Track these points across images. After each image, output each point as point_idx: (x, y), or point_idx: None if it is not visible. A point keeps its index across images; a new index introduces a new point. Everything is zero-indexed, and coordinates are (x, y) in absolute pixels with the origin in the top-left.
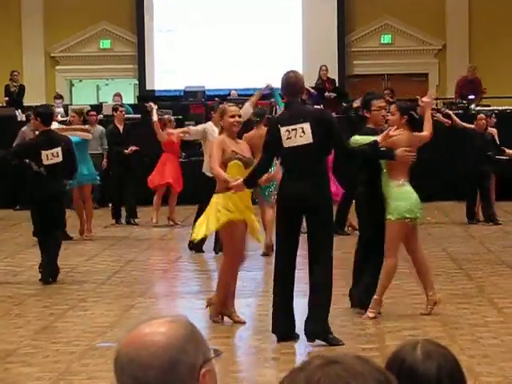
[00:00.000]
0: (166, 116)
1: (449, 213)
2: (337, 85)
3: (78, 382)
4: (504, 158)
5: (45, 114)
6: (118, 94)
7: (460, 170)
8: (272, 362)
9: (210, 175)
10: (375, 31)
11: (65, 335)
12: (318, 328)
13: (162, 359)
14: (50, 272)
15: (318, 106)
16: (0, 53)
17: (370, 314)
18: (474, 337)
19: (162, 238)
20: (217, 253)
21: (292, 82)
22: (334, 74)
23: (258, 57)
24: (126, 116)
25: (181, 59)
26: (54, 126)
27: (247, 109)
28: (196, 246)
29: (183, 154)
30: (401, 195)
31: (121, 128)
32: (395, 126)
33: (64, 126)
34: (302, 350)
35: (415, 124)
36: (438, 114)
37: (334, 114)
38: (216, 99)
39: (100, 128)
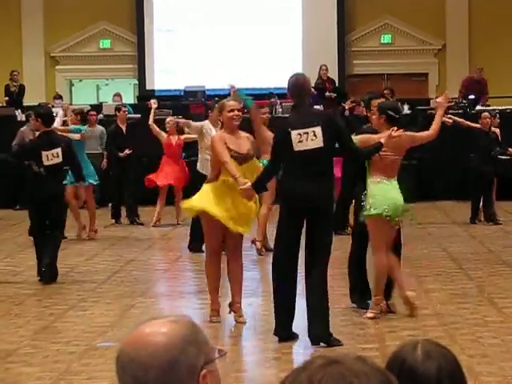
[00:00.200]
0: (169, 119)
1: (449, 212)
2: (337, 84)
3: (78, 382)
4: (506, 157)
5: (46, 115)
6: (117, 94)
7: (464, 169)
8: (273, 362)
9: (206, 174)
10: (375, 31)
11: (65, 335)
12: (323, 331)
13: (161, 359)
14: (50, 273)
15: (318, 106)
16: (0, 52)
17: (369, 314)
18: (474, 336)
19: (162, 237)
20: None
21: (300, 84)
22: (333, 73)
23: (257, 56)
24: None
25: (181, 59)
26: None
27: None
28: (195, 247)
29: (183, 154)
30: (377, 192)
31: (123, 128)
32: (395, 128)
33: (60, 127)
34: (302, 349)
35: (394, 123)
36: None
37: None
38: (216, 99)
39: (100, 128)
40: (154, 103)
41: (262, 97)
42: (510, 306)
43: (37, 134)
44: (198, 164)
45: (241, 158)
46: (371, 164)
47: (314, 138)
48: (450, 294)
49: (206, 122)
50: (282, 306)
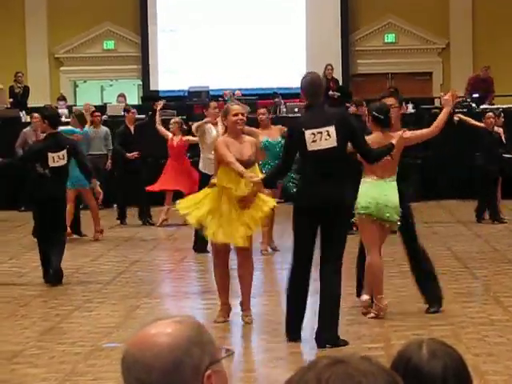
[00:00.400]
0: (173, 121)
1: (454, 211)
2: (340, 84)
3: (84, 383)
4: (509, 156)
5: (52, 117)
6: (121, 95)
7: (469, 168)
8: (279, 362)
9: (208, 173)
10: (379, 30)
11: (70, 336)
12: (331, 336)
13: (165, 360)
14: (58, 277)
15: None
16: (4, 54)
17: (372, 313)
18: (480, 335)
19: (167, 238)
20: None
21: (317, 83)
22: (337, 73)
23: (261, 56)
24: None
25: (185, 59)
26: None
27: None
28: (200, 247)
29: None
30: (362, 191)
31: (132, 129)
32: (405, 129)
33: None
34: (308, 349)
35: (379, 124)
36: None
37: None
38: (220, 99)
39: (104, 129)
40: (158, 104)
41: (265, 97)
42: None
43: (40, 135)
44: (200, 164)
45: (245, 164)
46: (364, 164)
47: (327, 137)
48: (455, 293)
49: (204, 121)
50: (295, 306)
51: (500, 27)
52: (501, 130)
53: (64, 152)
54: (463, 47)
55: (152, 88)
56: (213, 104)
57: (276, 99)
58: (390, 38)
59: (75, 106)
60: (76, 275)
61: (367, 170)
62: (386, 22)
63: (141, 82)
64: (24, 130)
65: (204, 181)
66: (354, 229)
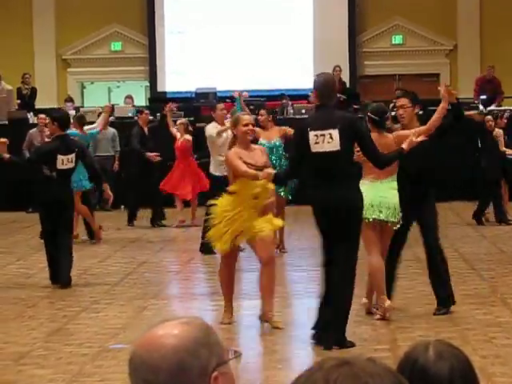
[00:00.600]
0: (179, 122)
1: (461, 213)
2: (347, 86)
3: None
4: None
5: (62, 119)
6: (129, 96)
7: (472, 169)
8: (284, 363)
9: (219, 174)
10: (386, 32)
11: (77, 337)
12: (338, 338)
13: (171, 362)
14: (64, 286)
15: None
16: (12, 55)
17: (377, 315)
18: (487, 337)
19: (174, 239)
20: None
21: (331, 84)
22: (345, 74)
23: (268, 58)
24: (136, 118)
25: (192, 61)
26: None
27: None
28: (207, 249)
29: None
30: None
31: (146, 130)
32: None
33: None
34: (314, 351)
35: (376, 125)
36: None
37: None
38: (227, 100)
39: (112, 130)
40: (168, 107)
41: (273, 98)
42: None
43: (45, 136)
44: (211, 166)
45: (260, 171)
46: (363, 166)
47: (330, 140)
48: (462, 294)
49: (213, 123)
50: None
51: (507, 29)
52: (500, 132)
53: (73, 155)
54: (471, 48)
55: (159, 89)
56: (220, 106)
57: (283, 100)
58: (397, 39)
59: (82, 107)
60: (83, 276)
61: (365, 172)
62: (394, 24)
63: (148, 84)
64: (30, 131)
65: (215, 183)
66: None
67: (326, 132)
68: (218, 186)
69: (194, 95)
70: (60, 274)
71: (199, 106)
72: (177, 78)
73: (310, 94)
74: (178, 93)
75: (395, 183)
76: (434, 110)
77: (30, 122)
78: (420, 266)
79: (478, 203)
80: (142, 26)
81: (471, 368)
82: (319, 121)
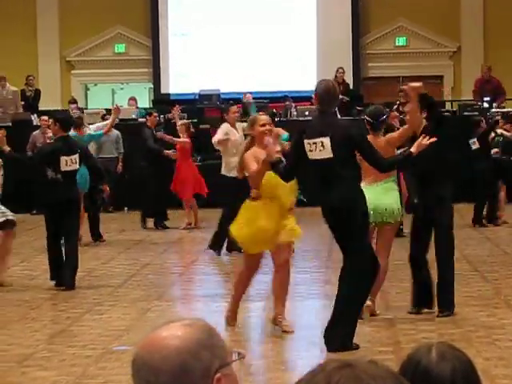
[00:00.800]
0: (180, 122)
1: (464, 215)
2: (351, 87)
3: None
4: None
5: (63, 120)
6: (132, 98)
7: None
8: (287, 365)
9: (233, 175)
10: (390, 33)
11: (81, 339)
12: (344, 341)
13: (173, 363)
14: (72, 283)
15: None
16: (16, 57)
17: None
18: (491, 339)
19: (177, 241)
20: (230, 251)
21: (331, 92)
22: (348, 76)
23: (272, 60)
24: (140, 120)
25: (195, 63)
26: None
27: None
28: (233, 245)
29: (198, 157)
30: None
31: (154, 131)
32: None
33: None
34: (318, 353)
35: (371, 128)
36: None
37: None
38: (231, 102)
39: (116, 132)
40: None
41: (276, 100)
42: None
43: (47, 138)
44: (223, 168)
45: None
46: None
47: (321, 148)
48: (465, 296)
49: (225, 125)
50: None
51: (511, 30)
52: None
53: (76, 156)
54: (474, 50)
55: (163, 91)
56: (233, 108)
57: (286, 102)
58: (400, 41)
59: (86, 109)
60: (87, 278)
61: (363, 174)
62: (397, 26)
63: (152, 86)
64: (33, 133)
65: (228, 185)
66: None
67: (317, 140)
68: (233, 186)
69: (197, 97)
70: (64, 278)
71: (203, 107)
72: (180, 80)
73: (313, 95)
74: (181, 95)
75: (393, 184)
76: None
77: (34, 123)
78: None
79: (474, 208)
80: (146, 28)
81: (474, 370)
82: (313, 129)
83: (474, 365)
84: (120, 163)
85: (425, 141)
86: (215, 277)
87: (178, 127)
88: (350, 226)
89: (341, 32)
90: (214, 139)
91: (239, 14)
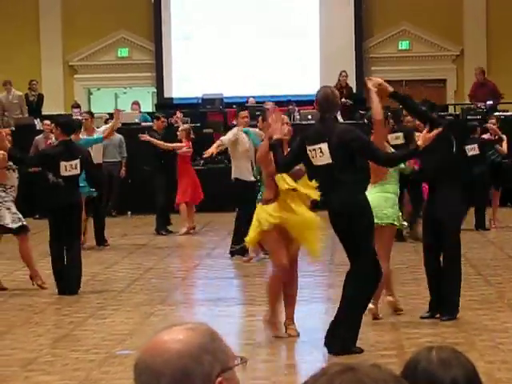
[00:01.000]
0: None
1: (468, 218)
2: (354, 91)
3: None
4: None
5: (65, 124)
6: (135, 103)
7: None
8: (290, 369)
9: (245, 179)
10: (393, 37)
11: (84, 343)
12: (346, 344)
13: (174, 367)
14: (76, 286)
15: None
16: (19, 62)
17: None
18: (494, 343)
19: (180, 245)
20: (232, 256)
21: (330, 99)
22: (351, 80)
23: (275, 63)
24: (143, 124)
25: (198, 67)
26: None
27: None
28: (238, 251)
29: (201, 161)
30: None
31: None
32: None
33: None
34: (320, 356)
35: (371, 129)
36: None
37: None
38: (234, 106)
39: (118, 136)
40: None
41: (279, 104)
42: None
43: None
44: (234, 172)
45: (294, 173)
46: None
47: (321, 154)
48: (469, 300)
49: (236, 129)
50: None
51: None
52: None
53: (77, 161)
54: (477, 54)
55: (166, 95)
56: (243, 113)
57: (290, 106)
58: (404, 45)
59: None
60: (90, 282)
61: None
62: (400, 29)
63: (155, 90)
64: (36, 137)
65: (240, 188)
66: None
67: (316, 147)
68: (247, 190)
69: (200, 101)
70: (68, 289)
71: (205, 111)
72: (183, 84)
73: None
74: (184, 99)
75: (388, 186)
76: (441, 116)
77: (37, 128)
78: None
79: (474, 213)
80: (149, 32)
81: (475, 373)
82: (313, 135)
83: (475, 367)
84: (123, 167)
85: (429, 134)
86: (218, 281)
87: (178, 132)
88: (352, 230)
89: (344, 36)
90: (224, 138)
91: (242, 18)
